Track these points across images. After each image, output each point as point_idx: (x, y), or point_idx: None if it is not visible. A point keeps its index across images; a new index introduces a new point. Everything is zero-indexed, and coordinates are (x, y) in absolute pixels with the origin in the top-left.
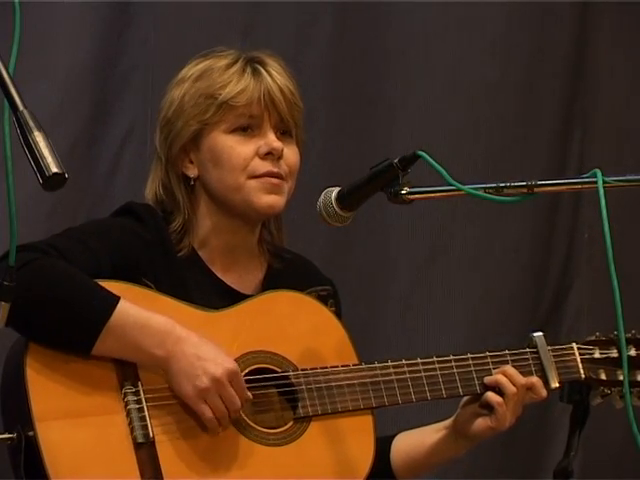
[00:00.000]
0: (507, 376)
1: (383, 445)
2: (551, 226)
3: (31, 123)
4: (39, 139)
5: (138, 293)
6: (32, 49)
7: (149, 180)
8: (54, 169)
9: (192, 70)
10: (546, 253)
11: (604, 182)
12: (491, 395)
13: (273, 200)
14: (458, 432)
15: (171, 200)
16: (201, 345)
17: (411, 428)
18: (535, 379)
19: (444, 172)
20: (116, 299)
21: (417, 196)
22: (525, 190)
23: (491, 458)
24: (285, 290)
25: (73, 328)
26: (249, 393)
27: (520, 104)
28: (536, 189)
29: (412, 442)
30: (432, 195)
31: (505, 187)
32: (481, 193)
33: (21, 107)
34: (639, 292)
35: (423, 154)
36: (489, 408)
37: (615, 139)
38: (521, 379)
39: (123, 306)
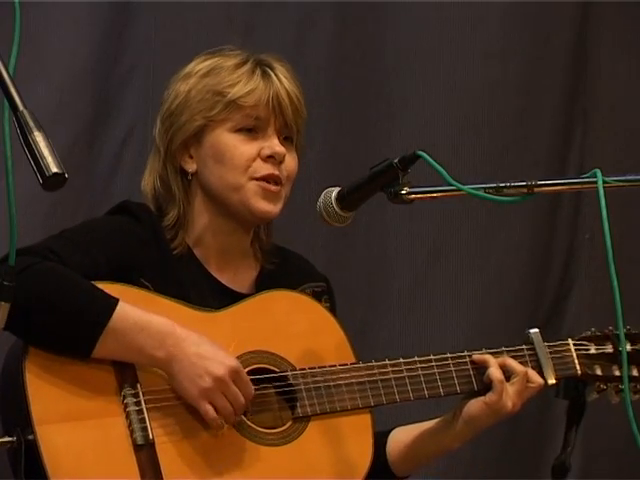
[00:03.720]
0: (507, 365)
1: (379, 439)
2: (551, 226)
3: (31, 123)
4: (39, 139)
5: (136, 295)
6: (32, 49)
7: (146, 172)
8: (54, 169)
9: (200, 66)
10: (547, 253)
11: (604, 182)
12: (492, 371)
13: (269, 207)
14: (455, 416)
15: (167, 193)
16: (202, 344)
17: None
18: (531, 370)
19: (444, 172)
20: (115, 301)
21: (417, 196)
22: (525, 190)
23: (490, 456)
24: (283, 290)
25: (73, 331)
26: (252, 387)
27: (520, 104)
28: (536, 189)
29: (408, 431)
30: (432, 195)
31: (505, 187)
32: (481, 193)
33: (21, 107)
34: (639, 292)
35: (423, 154)
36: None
37: (615, 139)
38: (521, 367)
39: (122, 308)
